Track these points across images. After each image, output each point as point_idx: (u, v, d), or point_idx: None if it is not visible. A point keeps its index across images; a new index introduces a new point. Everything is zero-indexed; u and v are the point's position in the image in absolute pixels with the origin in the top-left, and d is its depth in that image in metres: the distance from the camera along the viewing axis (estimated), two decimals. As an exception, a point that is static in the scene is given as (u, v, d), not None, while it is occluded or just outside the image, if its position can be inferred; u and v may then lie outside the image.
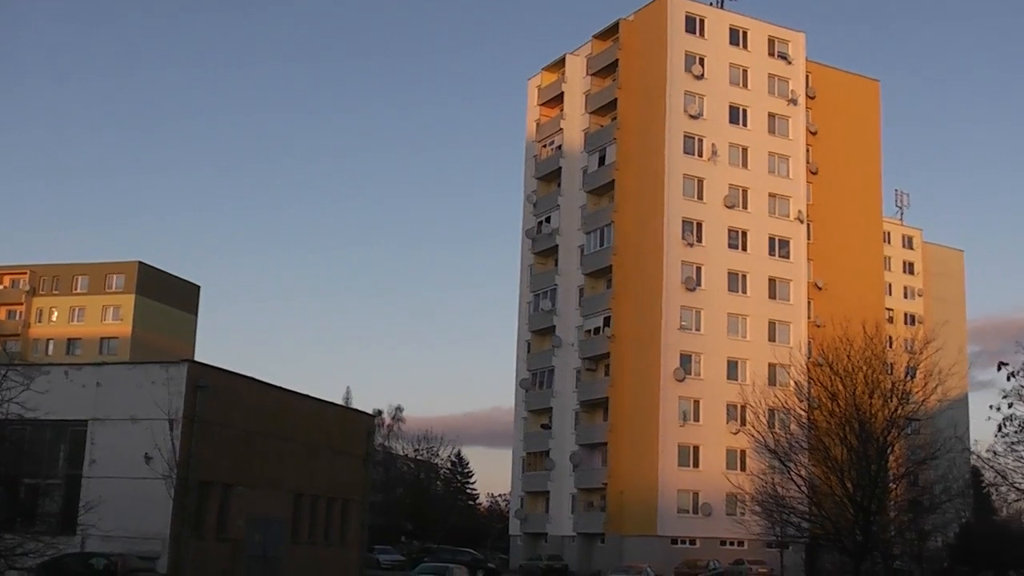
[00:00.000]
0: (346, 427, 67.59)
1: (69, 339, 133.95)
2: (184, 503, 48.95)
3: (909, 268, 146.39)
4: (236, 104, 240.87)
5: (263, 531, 55.30)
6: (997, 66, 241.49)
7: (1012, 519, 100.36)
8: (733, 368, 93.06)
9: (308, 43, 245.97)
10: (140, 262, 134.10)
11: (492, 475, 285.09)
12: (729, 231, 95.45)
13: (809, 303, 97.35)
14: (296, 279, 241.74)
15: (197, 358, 77.34)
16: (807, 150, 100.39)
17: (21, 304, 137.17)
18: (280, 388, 59.70)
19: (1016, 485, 44.08)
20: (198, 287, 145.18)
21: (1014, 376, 40.53)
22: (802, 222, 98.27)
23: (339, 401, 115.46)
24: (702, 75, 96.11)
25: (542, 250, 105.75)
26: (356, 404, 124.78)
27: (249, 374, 57.15)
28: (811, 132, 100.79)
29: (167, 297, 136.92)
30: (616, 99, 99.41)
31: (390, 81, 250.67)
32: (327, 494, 63.68)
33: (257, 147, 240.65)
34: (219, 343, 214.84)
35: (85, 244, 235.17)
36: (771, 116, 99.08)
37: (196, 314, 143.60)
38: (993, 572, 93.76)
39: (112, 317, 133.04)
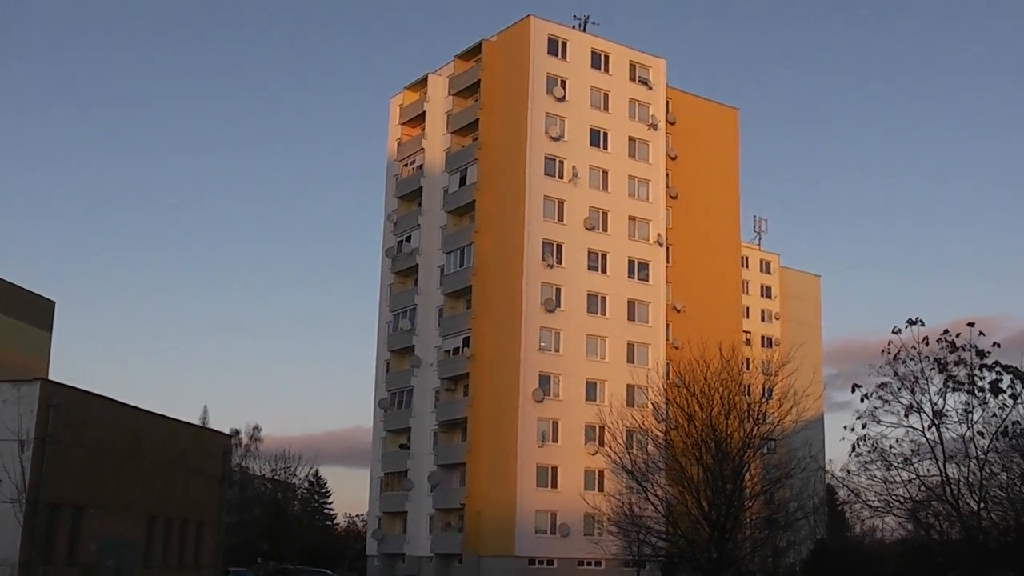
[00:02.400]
0: (202, 447, 66.70)
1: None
2: (34, 527, 47.71)
3: (767, 292, 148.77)
4: (92, 109, 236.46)
5: (116, 555, 54.14)
6: (853, 97, 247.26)
7: (865, 536, 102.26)
8: (592, 389, 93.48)
9: (166, 47, 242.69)
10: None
11: (351, 495, 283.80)
12: (589, 253, 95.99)
13: (667, 325, 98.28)
14: (156, 297, 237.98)
15: (51, 376, 75.47)
16: (667, 175, 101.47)
17: None
18: (135, 408, 58.66)
19: (869, 503, 44.92)
20: (53, 303, 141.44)
21: (867, 398, 41.55)
22: (661, 245, 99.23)
23: (196, 420, 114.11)
24: (564, 97, 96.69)
25: (402, 269, 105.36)
26: (214, 423, 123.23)
27: (105, 393, 56.12)
28: (671, 157, 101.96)
29: (18, 312, 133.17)
30: (478, 119, 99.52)
31: (252, 92, 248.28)
32: (182, 516, 62.70)
33: (116, 155, 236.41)
34: (75, 361, 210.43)
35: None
36: (632, 140, 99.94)
37: (51, 331, 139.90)
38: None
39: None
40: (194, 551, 64.10)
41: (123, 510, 55.72)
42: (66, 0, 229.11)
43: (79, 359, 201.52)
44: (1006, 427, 40.12)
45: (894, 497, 43.09)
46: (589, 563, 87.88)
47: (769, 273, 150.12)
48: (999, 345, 40.43)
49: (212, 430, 78.78)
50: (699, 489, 52.74)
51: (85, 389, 54.01)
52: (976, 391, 40.25)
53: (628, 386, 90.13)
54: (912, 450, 41.82)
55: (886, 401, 41.50)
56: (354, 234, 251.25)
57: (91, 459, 52.82)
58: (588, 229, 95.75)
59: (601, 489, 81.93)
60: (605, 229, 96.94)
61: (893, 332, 41.11)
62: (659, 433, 58.88)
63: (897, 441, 41.97)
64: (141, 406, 60.00)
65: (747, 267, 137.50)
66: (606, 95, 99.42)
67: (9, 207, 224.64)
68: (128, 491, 56.36)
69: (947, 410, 40.93)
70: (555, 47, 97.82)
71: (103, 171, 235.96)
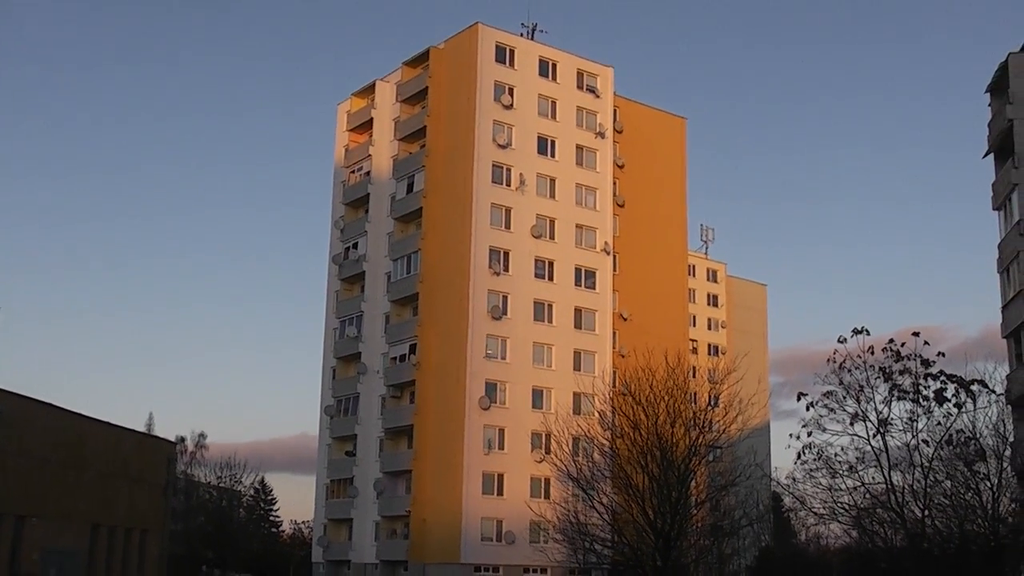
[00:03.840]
0: (146, 455, 66.29)
1: None
2: (-26, 535, 47.18)
3: (713, 301, 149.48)
4: (44, 124, 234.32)
5: (58, 565, 53.64)
6: (801, 107, 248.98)
7: (810, 543, 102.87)
8: (538, 397, 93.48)
9: (114, 57, 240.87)
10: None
11: (297, 502, 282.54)
12: (536, 261, 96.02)
13: (614, 333, 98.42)
14: (98, 299, 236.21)
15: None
16: (614, 183, 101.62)
17: None
18: (77, 415, 58.16)
19: (814, 510, 45.23)
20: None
21: (813, 406, 41.84)
22: (608, 253, 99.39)
23: (142, 428, 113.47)
24: (511, 105, 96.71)
25: (348, 276, 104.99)
26: (159, 431, 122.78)
27: (48, 400, 55.54)
28: (618, 165, 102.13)
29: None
30: (425, 126, 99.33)
31: (198, 99, 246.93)
32: (125, 524, 62.23)
33: (55, 160, 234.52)
34: (18, 368, 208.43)
35: None
36: (579, 148, 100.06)
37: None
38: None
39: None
40: (138, 560, 63.63)
41: (65, 519, 55.23)
42: (21, 23, 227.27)
43: (23, 366, 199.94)
44: (950, 435, 40.50)
45: (839, 504, 43.38)
46: (535, 570, 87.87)
47: (716, 282, 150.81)
48: (944, 355, 40.83)
49: (156, 437, 78.34)
50: (644, 497, 52.85)
51: (28, 396, 53.43)
52: (921, 400, 40.61)
53: (574, 394, 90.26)
54: (857, 458, 42.14)
55: (831, 409, 41.79)
56: (301, 240, 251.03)
57: (33, 467, 52.32)
58: (535, 237, 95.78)
59: (547, 497, 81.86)
60: (552, 237, 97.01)
61: (839, 341, 41.43)
62: (605, 441, 58.90)
63: (842, 449, 42.30)
64: (85, 413, 59.49)
65: (694, 276, 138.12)
66: (554, 103, 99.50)
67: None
68: (71, 500, 55.85)
69: (892, 418, 41.30)
70: (503, 55, 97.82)
71: (49, 182, 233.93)
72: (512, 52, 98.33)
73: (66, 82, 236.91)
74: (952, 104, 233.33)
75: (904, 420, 41.12)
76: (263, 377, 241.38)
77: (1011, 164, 59.38)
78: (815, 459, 42.36)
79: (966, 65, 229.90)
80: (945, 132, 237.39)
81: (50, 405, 55.20)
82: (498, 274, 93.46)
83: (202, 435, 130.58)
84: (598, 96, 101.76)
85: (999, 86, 62.29)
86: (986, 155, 63.97)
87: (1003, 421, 41.90)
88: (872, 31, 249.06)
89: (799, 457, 42.43)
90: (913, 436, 40.95)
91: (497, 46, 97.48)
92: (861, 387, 41.43)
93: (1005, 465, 41.39)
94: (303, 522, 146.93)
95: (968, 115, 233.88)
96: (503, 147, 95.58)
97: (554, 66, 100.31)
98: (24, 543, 51.32)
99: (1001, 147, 61.63)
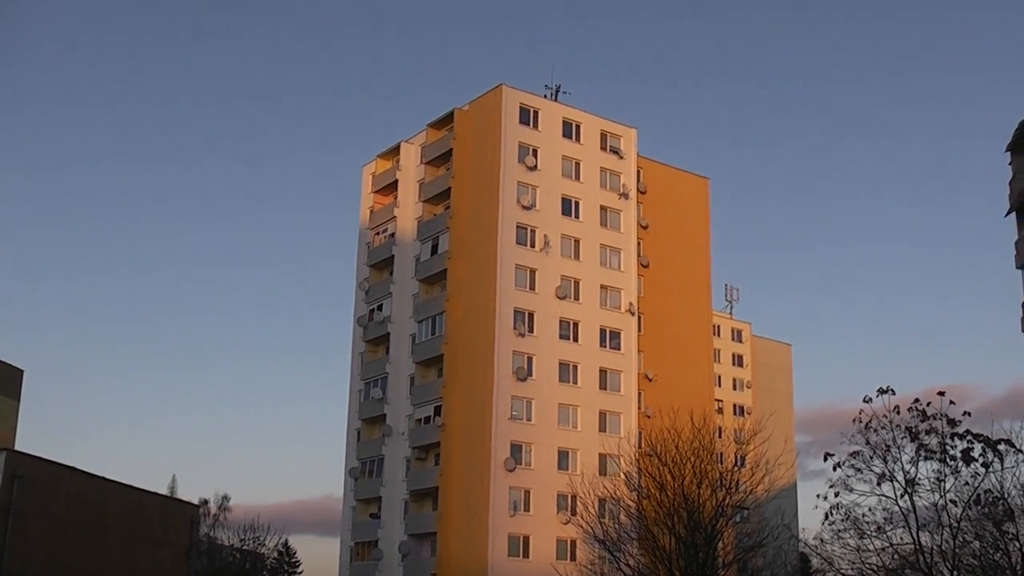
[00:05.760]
0: (169, 517, 65.90)
1: None
2: (-4, 600, 47.03)
3: (738, 360, 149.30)
4: (67, 170, 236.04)
5: (80, 627, 53.41)
6: (822, 165, 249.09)
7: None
8: (564, 458, 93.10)
9: (145, 107, 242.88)
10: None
11: (321, 565, 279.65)
12: (561, 322, 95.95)
13: (639, 394, 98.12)
14: (122, 360, 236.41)
15: (18, 446, 74.71)
16: (638, 243, 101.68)
17: None
18: (101, 478, 58.05)
19: (842, 571, 44.71)
20: (21, 371, 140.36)
21: (840, 466, 41.46)
22: (633, 314, 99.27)
23: (165, 490, 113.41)
24: (535, 166, 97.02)
25: (373, 338, 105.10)
26: (182, 493, 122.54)
27: (72, 463, 55.52)
28: (642, 226, 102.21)
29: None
30: (450, 188, 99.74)
31: (223, 159, 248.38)
32: (148, 587, 61.92)
33: (82, 219, 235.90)
34: (43, 430, 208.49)
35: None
36: (603, 209, 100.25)
37: (19, 399, 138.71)
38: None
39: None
40: (161, 623, 63.23)
41: (89, 582, 54.99)
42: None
43: (46, 428, 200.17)
44: (978, 495, 40.08)
45: (867, 565, 42.91)
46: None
47: (741, 341, 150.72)
48: (970, 414, 40.47)
49: (179, 500, 78.14)
50: (671, 558, 52.55)
51: (51, 459, 53.45)
52: (948, 459, 40.21)
53: (600, 455, 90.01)
54: (885, 518, 41.71)
55: (858, 469, 41.40)
56: (325, 302, 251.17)
57: (56, 531, 52.16)
58: (560, 298, 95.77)
59: (573, 559, 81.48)
60: (577, 298, 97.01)
61: (864, 401, 41.09)
62: (631, 502, 58.75)
63: (870, 509, 41.89)
64: (108, 476, 59.47)
65: (719, 335, 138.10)
66: (577, 164, 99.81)
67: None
68: (93, 563, 55.59)
69: (919, 478, 40.89)
70: (527, 116, 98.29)
71: (68, 236, 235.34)
72: (536, 113, 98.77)
73: (88, 118, 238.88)
74: (977, 159, 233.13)
75: (931, 480, 40.76)
76: (287, 439, 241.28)
77: (1033, 223, 59.18)
78: (843, 519, 41.96)
79: (991, 119, 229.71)
80: (969, 187, 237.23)
81: (72, 468, 55.12)
82: (523, 335, 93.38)
83: (226, 497, 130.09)
84: (622, 157, 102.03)
85: (1020, 144, 62.15)
86: (1008, 213, 63.76)
87: (1031, 480, 41.46)
88: (897, 84, 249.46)
89: (827, 517, 42.02)
90: (941, 496, 40.55)
91: (521, 107, 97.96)
92: (888, 447, 41.09)
93: (1034, 525, 40.94)
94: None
95: (992, 171, 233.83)
96: (527, 208, 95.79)
97: (578, 127, 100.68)
98: (47, 607, 51.16)
99: (1023, 206, 61.44)
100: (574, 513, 75.05)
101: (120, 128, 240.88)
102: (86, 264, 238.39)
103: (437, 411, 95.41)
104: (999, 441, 40.02)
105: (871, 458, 41.29)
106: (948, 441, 40.14)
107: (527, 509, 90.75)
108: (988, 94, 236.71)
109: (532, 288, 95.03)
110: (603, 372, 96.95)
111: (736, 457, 59.68)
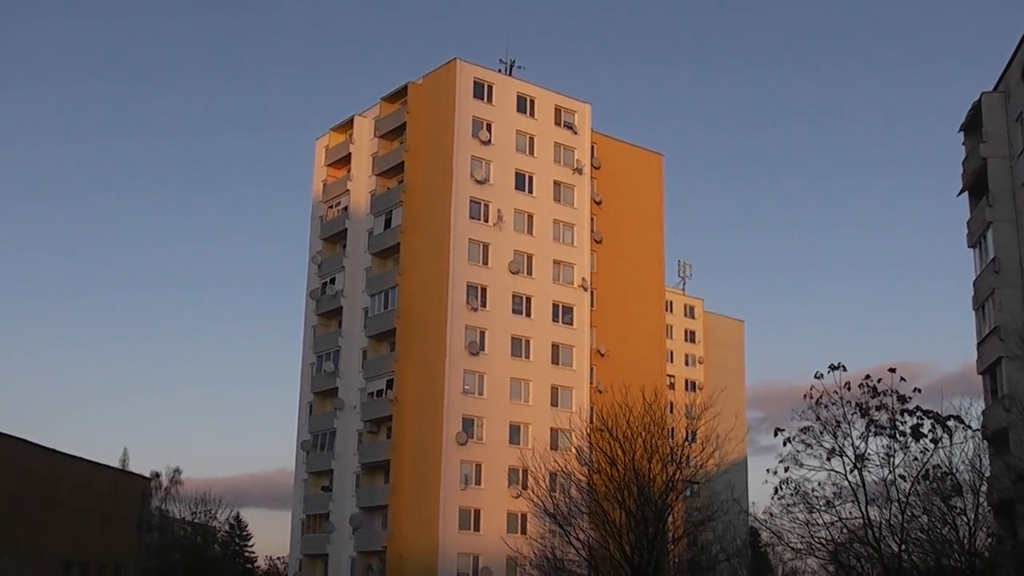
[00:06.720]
0: (119, 491, 65.82)
1: None
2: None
3: (691, 336, 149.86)
4: (17, 144, 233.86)
5: (29, 601, 53.14)
6: (777, 143, 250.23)
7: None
8: (515, 432, 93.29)
9: (94, 82, 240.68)
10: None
11: (272, 538, 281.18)
12: (513, 296, 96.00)
13: (592, 369, 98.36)
14: (73, 333, 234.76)
15: (-36, 418, 74.18)
16: (592, 219, 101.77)
17: None
18: (51, 450, 57.78)
19: (791, 545, 45.11)
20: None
21: (790, 442, 41.80)
22: (586, 289, 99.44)
23: (115, 463, 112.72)
24: (489, 141, 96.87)
25: (326, 311, 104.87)
26: (133, 466, 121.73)
27: (21, 435, 55.12)
28: (596, 202, 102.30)
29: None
30: (403, 162, 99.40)
31: (175, 131, 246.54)
32: (98, 561, 61.72)
33: (29, 184, 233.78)
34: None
35: None
36: (557, 184, 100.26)
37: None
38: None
39: None
40: (111, 596, 63.05)
41: (38, 556, 54.77)
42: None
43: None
44: (927, 471, 40.53)
45: (816, 539, 43.28)
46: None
47: (693, 318, 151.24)
48: (920, 391, 40.88)
49: (131, 473, 77.88)
50: (621, 533, 52.67)
51: (2, 432, 53.08)
52: (898, 435, 40.62)
53: (552, 429, 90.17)
54: (834, 493, 42.07)
55: (808, 445, 41.74)
56: (278, 275, 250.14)
57: (5, 504, 51.87)
58: (513, 272, 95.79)
59: (524, 532, 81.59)
60: (530, 273, 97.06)
61: (815, 377, 41.45)
62: (582, 477, 58.80)
63: (819, 484, 42.24)
64: (58, 449, 59.14)
65: (671, 312, 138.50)
66: (531, 139, 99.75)
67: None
68: (43, 536, 55.39)
69: (869, 454, 41.29)
70: (481, 91, 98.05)
71: (20, 211, 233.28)
72: (490, 88, 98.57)
73: (38, 96, 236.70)
74: (928, 141, 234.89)
75: (881, 456, 41.15)
76: (239, 412, 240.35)
77: (985, 202, 59.81)
78: (792, 494, 42.31)
79: (941, 103, 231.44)
80: (922, 167, 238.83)
81: (23, 440, 54.81)
82: (475, 310, 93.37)
83: (177, 470, 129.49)
84: (576, 132, 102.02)
85: (973, 125, 62.73)
86: (960, 193, 64.35)
87: (979, 456, 41.93)
88: (850, 65, 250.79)
89: (776, 492, 42.38)
90: (890, 471, 40.97)
91: (475, 82, 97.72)
92: (838, 423, 41.42)
93: (981, 500, 41.40)
94: (278, 558, 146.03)
95: (944, 151, 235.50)
96: (481, 183, 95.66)
97: (532, 102, 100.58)
98: (-4, 579, 50.92)
99: (975, 185, 62.04)
100: (525, 487, 75.23)
101: (73, 103, 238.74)
102: (38, 238, 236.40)
103: (389, 384, 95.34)
104: (948, 417, 40.51)
105: (821, 434, 41.65)
106: (898, 417, 40.57)
107: (478, 483, 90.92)
108: (942, 74, 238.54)
109: (485, 263, 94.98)
110: (555, 347, 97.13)
111: (687, 432, 59.88)
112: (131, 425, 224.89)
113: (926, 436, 40.40)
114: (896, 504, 40.95)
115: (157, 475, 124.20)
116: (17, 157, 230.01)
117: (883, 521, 41.46)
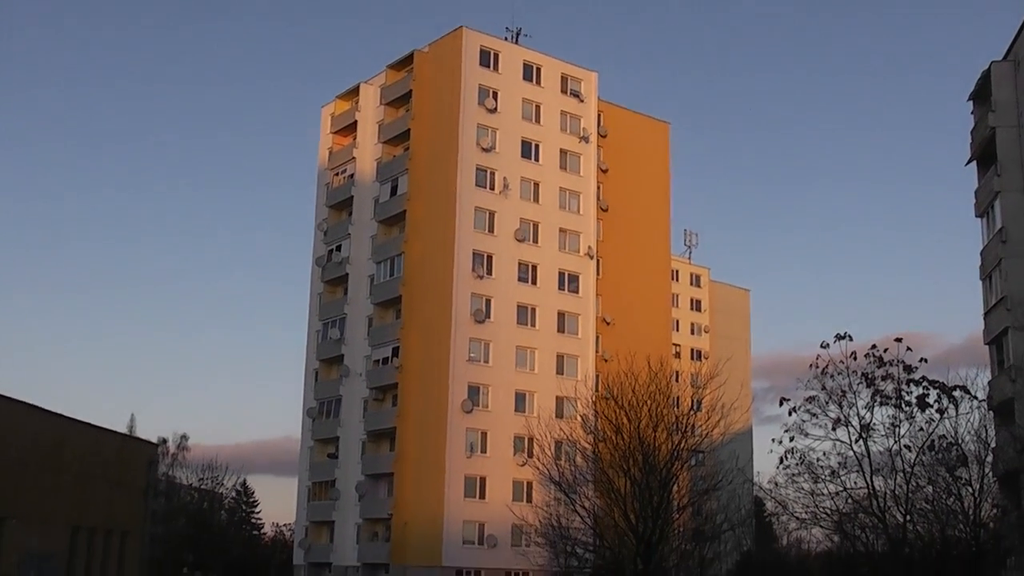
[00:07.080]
0: (126, 457, 65.92)
1: None
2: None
3: (696, 305, 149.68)
4: (16, 111, 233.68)
5: (37, 568, 53.27)
6: (783, 112, 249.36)
7: (791, 547, 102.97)
8: (521, 400, 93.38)
9: (99, 44, 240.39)
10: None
11: (278, 505, 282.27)
12: (519, 264, 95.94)
13: (597, 338, 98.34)
14: (82, 300, 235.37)
15: (-29, 383, 74.31)
16: (598, 187, 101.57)
17: None
18: (57, 415, 57.82)
19: (796, 515, 45.17)
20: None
21: (795, 411, 41.79)
22: (592, 258, 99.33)
23: (123, 429, 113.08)
24: (495, 109, 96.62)
25: (332, 279, 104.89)
26: (141, 432, 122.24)
27: (28, 400, 55.17)
28: (602, 170, 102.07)
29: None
30: (409, 130, 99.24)
31: (184, 98, 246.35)
32: (105, 527, 61.86)
33: (42, 149, 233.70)
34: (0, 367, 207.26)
35: None
36: (563, 152, 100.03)
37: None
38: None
39: None
40: (117, 563, 63.28)
41: (44, 521, 54.87)
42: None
43: (3, 365, 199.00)
44: (932, 441, 40.54)
45: (821, 509, 43.34)
46: (516, 574, 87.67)
47: (699, 287, 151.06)
48: (926, 361, 40.85)
49: (137, 439, 78.03)
50: (626, 501, 52.73)
51: (7, 396, 53.13)
52: (903, 405, 40.63)
53: (557, 398, 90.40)
54: (839, 463, 42.11)
55: (814, 415, 41.75)
56: (284, 243, 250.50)
57: (12, 469, 51.93)
58: (519, 241, 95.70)
59: (529, 500, 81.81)
60: (536, 241, 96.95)
61: (821, 347, 41.39)
62: (587, 445, 58.82)
63: (824, 454, 42.27)
64: (65, 414, 59.21)
65: (677, 280, 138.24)
66: (538, 107, 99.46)
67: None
68: (50, 502, 55.49)
69: (874, 424, 41.29)
70: (487, 59, 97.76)
71: (25, 164, 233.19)
72: (496, 56, 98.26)
73: (43, 87, 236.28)
74: (937, 110, 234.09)
75: (886, 426, 41.19)
76: (246, 379, 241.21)
77: (993, 171, 59.66)
78: (797, 464, 42.35)
79: (951, 71, 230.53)
80: (932, 137, 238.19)
81: (29, 405, 54.86)
82: (481, 277, 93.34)
83: (184, 437, 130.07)
84: (582, 101, 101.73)
85: (982, 94, 62.52)
86: (969, 162, 64.19)
87: (985, 427, 41.95)
88: (859, 33, 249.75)
89: (781, 462, 42.40)
90: (895, 441, 41.01)
91: (481, 50, 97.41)
92: (843, 392, 41.42)
93: (986, 471, 41.46)
94: (284, 524, 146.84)
95: (953, 121, 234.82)
96: (487, 151, 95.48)
97: (538, 70, 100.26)
98: (2, 545, 51.00)
99: (983, 154, 61.88)
100: (530, 455, 75.32)
101: (78, 61, 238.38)
102: (41, 192, 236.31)
103: (395, 352, 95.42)
104: (954, 388, 40.48)
105: (827, 403, 41.67)
106: (904, 387, 40.52)
107: (484, 451, 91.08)
108: (951, 42, 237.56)
109: (491, 230, 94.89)
110: (561, 315, 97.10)
111: (692, 401, 60.01)
112: (138, 392, 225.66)
113: (932, 406, 40.40)
114: (901, 474, 40.99)
115: (164, 441, 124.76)
116: (25, 101, 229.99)
117: (888, 491, 41.51)
